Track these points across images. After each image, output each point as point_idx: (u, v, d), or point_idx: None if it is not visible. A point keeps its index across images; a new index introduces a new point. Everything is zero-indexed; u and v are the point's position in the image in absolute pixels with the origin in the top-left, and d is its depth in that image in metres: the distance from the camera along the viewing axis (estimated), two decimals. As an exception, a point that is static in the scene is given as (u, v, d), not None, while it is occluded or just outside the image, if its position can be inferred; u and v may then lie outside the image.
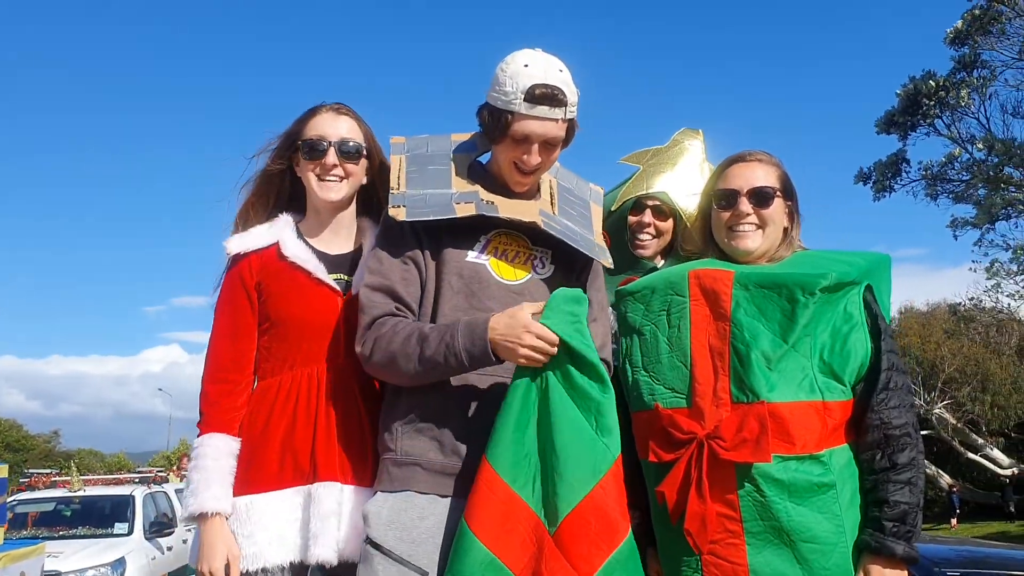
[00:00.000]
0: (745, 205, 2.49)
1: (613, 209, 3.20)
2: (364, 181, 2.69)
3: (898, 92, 20.12)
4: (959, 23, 18.95)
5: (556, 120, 2.39)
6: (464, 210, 2.39)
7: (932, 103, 19.34)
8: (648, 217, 3.13)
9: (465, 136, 2.63)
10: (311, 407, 2.51)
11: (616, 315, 2.64)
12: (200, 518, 2.44)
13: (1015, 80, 19.14)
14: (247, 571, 2.43)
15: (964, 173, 20.21)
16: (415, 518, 2.24)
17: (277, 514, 2.46)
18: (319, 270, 2.59)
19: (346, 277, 2.63)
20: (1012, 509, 25.92)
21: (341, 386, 2.54)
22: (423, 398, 2.34)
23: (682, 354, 2.42)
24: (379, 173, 2.68)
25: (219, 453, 2.49)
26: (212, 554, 2.42)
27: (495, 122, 2.39)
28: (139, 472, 15.89)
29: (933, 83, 19.26)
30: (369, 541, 2.23)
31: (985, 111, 19.55)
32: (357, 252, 2.68)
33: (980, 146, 19.25)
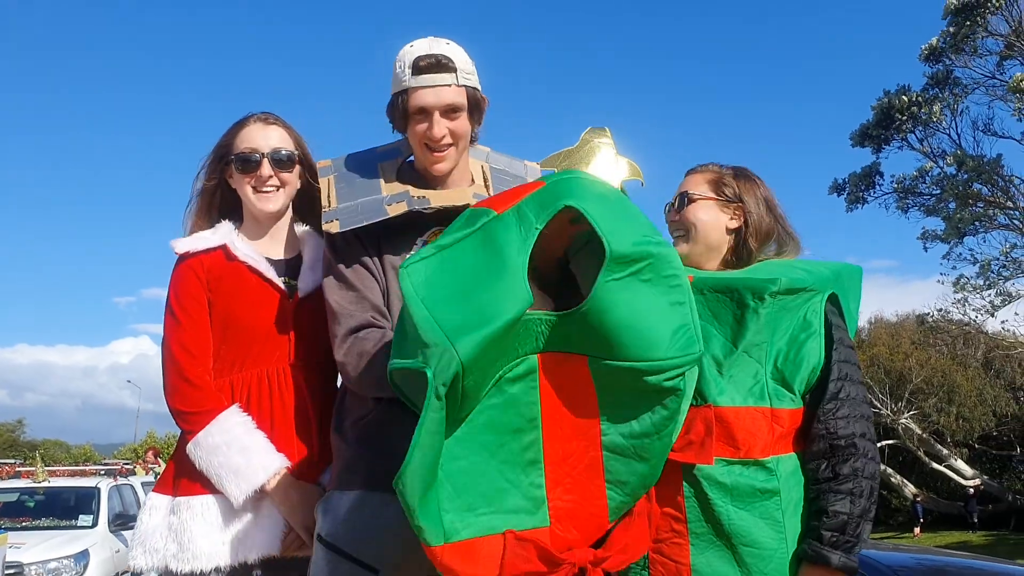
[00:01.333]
0: (672, 213, 2.62)
1: None
2: (298, 186, 2.71)
3: (873, 106, 20.38)
4: (934, 40, 19.21)
5: (448, 85, 2.39)
6: (396, 209, 2.39)
7: (905, 118, 19.60)
8: None
9: (391, 144, 2.64)
10: (263, 408, 2.52)
11: None
12: (271, 480, 2.42)
13: (987, 98, 19.45)
14: (201, 571, 2.42)
15: (935, 187, 20.48)
16: (367, 517, 2.23)
17: (233, 514, 2.46)
18: (270, 271, 2.60)
19: (292, 281, 2.63)
20: (976, 520, 26.20)
21: (291, 387, 2.55)
22: (376, 401, 2.34)
23: None
24: (314, 176, 2.68)
25: (246, 423, 2.47)
26: (302, 509, 2.43)
27: (394, 107, 2.42)
28: (105, 464, 15.73)
29: (906, 98, 19.51)
30: (320, 538, 2.24)
31: (956, 127, 19.89)
32: (298, 257, 2.69)
33: (950, 161, 19.53)
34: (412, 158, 2.59)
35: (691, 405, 2.31)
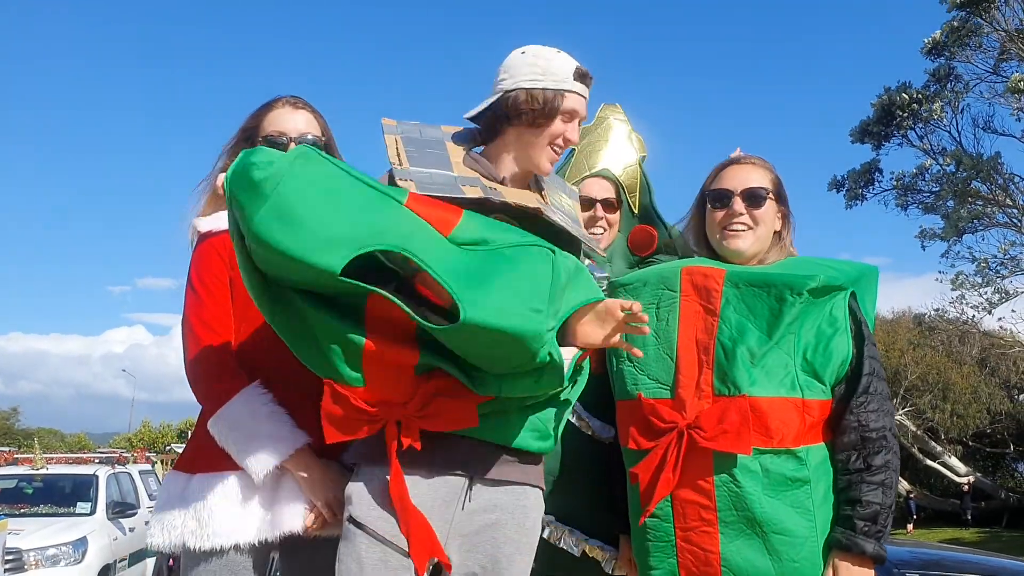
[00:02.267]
0: (739, 205, 2.56)
1: None
2: None
3: (873, 103, 20.35)
4: (936, 34, 19.17)
5: (587, 100, 2.52)
6: (471, 192, 2.38)
7: (906, 115, 19.57)
8: (600, 212, 3.14)
9: (455, 128, 2.63)
10: (284, 386, 2.47)
11: None
12: (293, 456, 2.39)
13: (988, 94, 19.44)
14: (220, 547, 2.38)
15: (934, 185, 20.47)
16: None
17: (253, 491, 2.42)
18: None
19: None
20: (969, 517, 26.29)
21: None
22: None
23: (668, 347, 2.49)
24: None
25: (267, 399, 2.44)
26: (324, 486, 2.40)
27: (546, 104, 2.44)
28: (100, 452, 15.73)
29: (907, 95, 19.48)
30: (352, 520, 2.21)
31: (957, 124, 19.86)
32: None
33: (948, 160, 19.54)
34: (478, 149, 2.60)
35: (723, 395, 2.36)
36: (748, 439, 2.30)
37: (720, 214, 2.59)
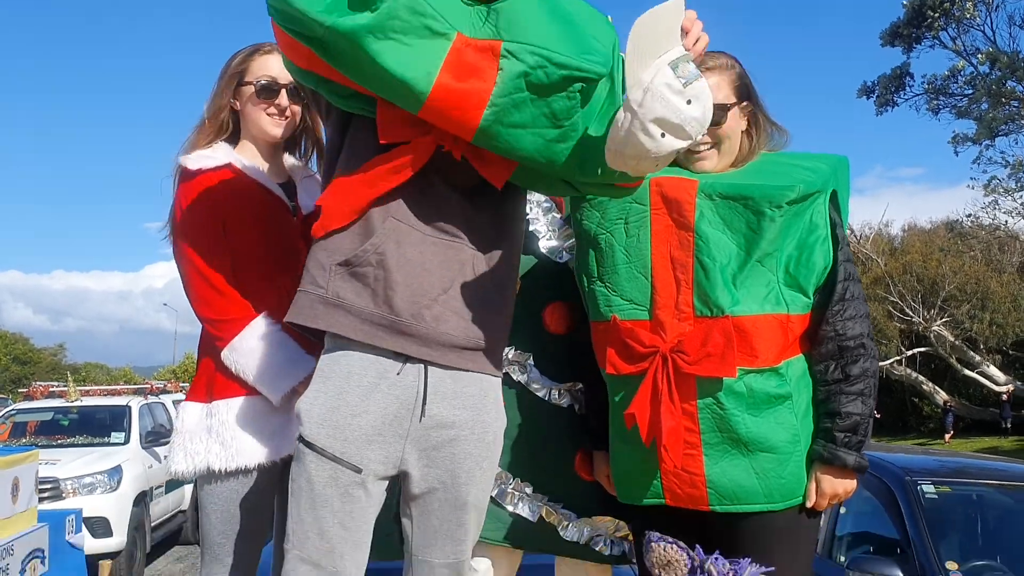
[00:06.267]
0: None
1: None
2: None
3: (904, 3, 19.73)
4: (971, -71, 18.48)
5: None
6: None
7: (937, 15, 18.97)
8: None
9: None
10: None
11: (572, 223, 2.56)
12: (306, 380, 2.40)
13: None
14: (245, 467, 2.50)
15: (967, 87, 19.95)
16: (348, 416, 2.15)
17: (270, 412, 2.54)
18: (277, 189, 2.65)
19: (291, 202, 2.70)
20: (1008, 425, 26.24)
21: None
22: (364, 245, 2.16)
23: (642, 265, 2.36)
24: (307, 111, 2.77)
25: (277, 328, 2.52)
26: None
27: None
28: (136, 384, 16.04)
29: (939, -8, 18.89)
30: (302, 439, 2.18)
31: (991, 23, 19.21)
32: (289, 182, 2.75)
33: (983, 59, 18.94)
34: None
35: (705, 316, 2.27)
36: (733, 362, 2.22)
37: None
